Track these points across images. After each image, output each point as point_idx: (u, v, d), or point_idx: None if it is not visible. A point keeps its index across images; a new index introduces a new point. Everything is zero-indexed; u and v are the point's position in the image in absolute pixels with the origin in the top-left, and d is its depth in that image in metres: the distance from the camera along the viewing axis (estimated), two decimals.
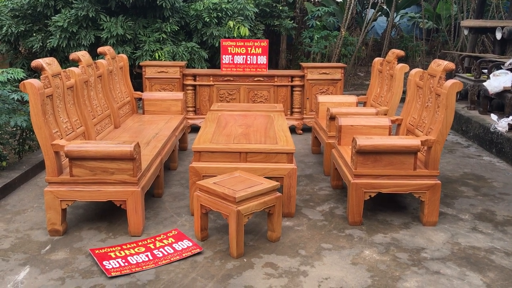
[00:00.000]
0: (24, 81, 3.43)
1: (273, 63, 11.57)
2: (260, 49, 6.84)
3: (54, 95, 3.80)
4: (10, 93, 4.82)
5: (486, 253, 3.55)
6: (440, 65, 4.11)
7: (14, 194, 4.56)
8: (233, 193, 3.35)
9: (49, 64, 3.81)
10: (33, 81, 3.44)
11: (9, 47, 8.56)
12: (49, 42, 7.77)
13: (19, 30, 7.96)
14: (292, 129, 6.96)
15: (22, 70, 5.12)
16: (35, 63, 3.69)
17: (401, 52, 5.27)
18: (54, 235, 3.69)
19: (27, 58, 8.52)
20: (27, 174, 4.88)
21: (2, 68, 5.17)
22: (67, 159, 3.60)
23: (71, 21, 7.64)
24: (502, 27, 7.48)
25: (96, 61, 4.94)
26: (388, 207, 4.32)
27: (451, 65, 4.01)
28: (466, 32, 8.69)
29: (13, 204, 4.32)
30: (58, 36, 7.70)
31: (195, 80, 6.85)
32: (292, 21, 10.34)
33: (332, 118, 4.89)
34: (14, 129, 5.37)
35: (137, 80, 8.41)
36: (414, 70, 4.59)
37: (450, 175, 5.23)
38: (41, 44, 7.99)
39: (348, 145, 4.45)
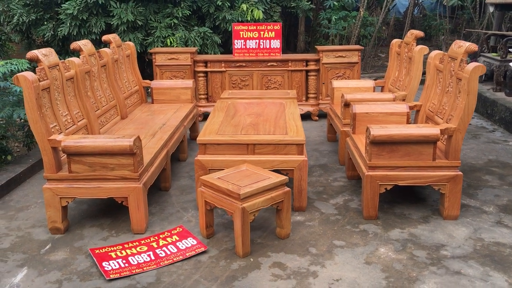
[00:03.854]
0: (18, 74, 3.27)
1: (291, 46, 11.27)
2: (273, 32, 6.58)
3: (52, 87, 3.64)
4: (13, 85, 4.69)
5: None
6: (461, 46, 3.81)
7: (19, 189, 4.46)
8: (238, 189, 3.16)
9: (45, 55, 3.65)
10: (27, 73, 3.28)
11: (22, 36, 8.47)
12: (60, 30, 7.64)
13: (30, 19, 7.86)
14: (308, 116, 6.73)
15: (27, 60, 4.98)
16: (30, 54, 3.54)
17: (420, 33, 4.95)
18: (55, 233, 3.57)
19: (40, 47, 8.42)
20: (33, 167, 4.78)
21: (18, 58, 5.04)
22: (66, 155, 3.44)
23: (80, 9, 7.48)
24: None
25: (100, 50, 4.77)
26: (406, 199, 4.07)
27: (473, 47, 3.71)
28: (491, 9, 8.24)
29: (17, 200, 4.22)
30: (68, 24, 7.56)
31: (206, 66, 6.64)
32: (310, 2, 10.00)
33: (347, 104, 4.63)
34: (22, 120, 5.27)
35: (150, 68, 8.25)
36: (433, 52, 4.29)
37: (474, 163, 4.94)
38: (53, 33, 7.87)
39: (363, 134, 4.20)
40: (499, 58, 6.81)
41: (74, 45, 4.31)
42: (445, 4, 12.39)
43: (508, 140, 5.69)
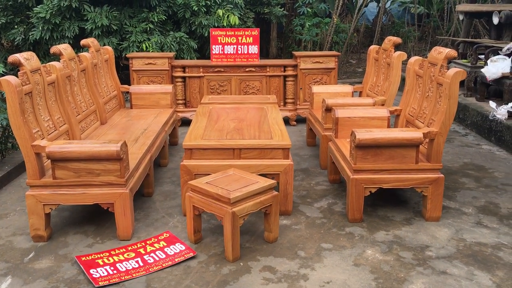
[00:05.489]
0: (0, 78, 3.19)
1: (263, 52, 11.32)
2: (251, 38, 6.61)
3: (34, 92, 3.56)
4: None
5: (493, 249, 3.39)
6: (441, 52, 3.92)
7: None
8: (227, 194, 3.15)
9: (27, 59, 3.56)
10: (10, 78, 3.21)
11: None
12: (32, 34, 7.48)
13: (0, 23, 7.65)
14: (286, 121, 6.75)
15: (2, 65, 4.86)
16: (12, 58, 3.45)
17: (398, 40, 5.06)
18: (38, 241, 3.48)
19: (9, 51, 8.21)
20: (10, 174, 4.65)
21: None
22: (49, 160, 3.37)
23: (53, 12, 7.34)
24: (499, 11, 7.30)
25: (79, 54, 4.69)
26: (388, 202, 4.14)
27: (453, 53, 3.82)
28: (461, 17, 8.49)
29: None
30: (40, 28, 7.41)
31: (184, 71, 6.61)
32: (283, 9, 10.10)
33: (328, 109, 4.69)
34: None
35: (124, 72, 8.17)
36: (413, 58, 4.39)
37: (450, 166, 5.07)
38: (24, 37, 7.70)
39: (346, 138, 4.26)
40: (469, 64, 7.02)
41: (54, 49, 4.23)
42: (412, 12, 12.70)
43: (481, 143, 5.86)
